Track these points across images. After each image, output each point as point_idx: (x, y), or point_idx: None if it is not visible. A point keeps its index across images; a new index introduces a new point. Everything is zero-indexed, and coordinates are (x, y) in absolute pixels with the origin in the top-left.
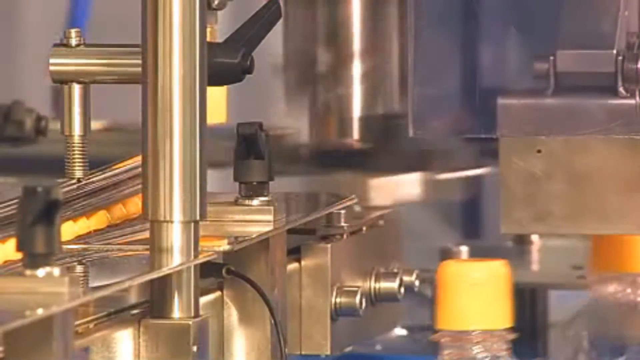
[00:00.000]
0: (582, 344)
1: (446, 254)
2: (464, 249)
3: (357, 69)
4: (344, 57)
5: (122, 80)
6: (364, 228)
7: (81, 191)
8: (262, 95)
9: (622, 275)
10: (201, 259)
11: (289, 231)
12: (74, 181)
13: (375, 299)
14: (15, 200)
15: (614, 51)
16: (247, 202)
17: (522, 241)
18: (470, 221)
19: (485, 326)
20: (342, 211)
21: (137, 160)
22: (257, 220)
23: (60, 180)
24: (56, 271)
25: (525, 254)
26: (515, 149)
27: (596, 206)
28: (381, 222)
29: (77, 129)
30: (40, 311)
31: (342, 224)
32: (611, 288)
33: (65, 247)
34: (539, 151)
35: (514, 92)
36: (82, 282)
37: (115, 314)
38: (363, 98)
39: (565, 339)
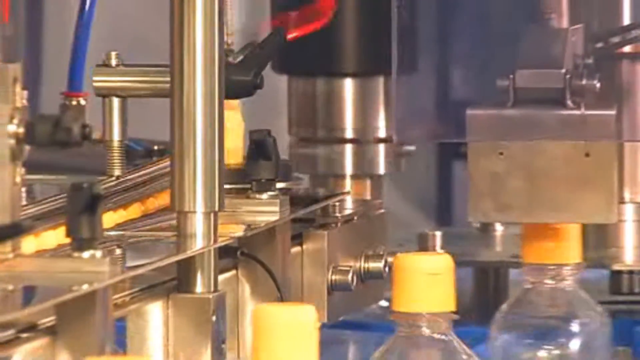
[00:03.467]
0: (516, 328)
1: (423, 239)
2: (438, 234)
3: None
4: None
5: (154, 95)
6: (355, 217)
7: (119, 187)
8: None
9: (549, 266)
10: (219, 243)
11: (293, 220)
12: (113, 178)
13: (364, 276)
14: (65, 195)
15: (563, 70)
16: (257, 196)
17: (487, 228)
18: (444, 211)
19: (432, 309)
20: (337, 203)
21: (166, 161)
22: (266, 211)
23: (101, 178)
24: (98, 253)
25: (490, 238)
26: (481, 152)
27: (548, 199)
28: (369, 213)
29: (116, 135)
30: (85, 287)
31: (337, 214)
32: (539, 277)
33: (106, 233)
34: (501, 154)
35: (481, 104)
36: (120, 262)
37: (148, 289)
38: None
39: (505, 322)
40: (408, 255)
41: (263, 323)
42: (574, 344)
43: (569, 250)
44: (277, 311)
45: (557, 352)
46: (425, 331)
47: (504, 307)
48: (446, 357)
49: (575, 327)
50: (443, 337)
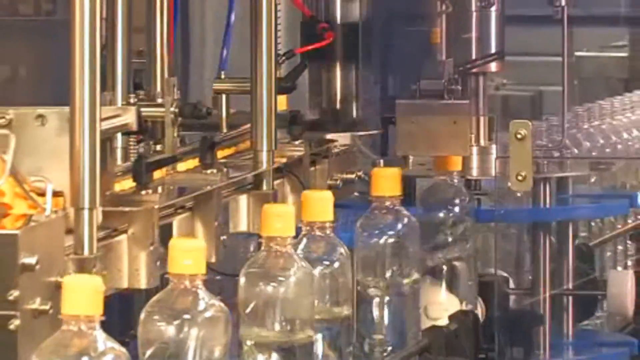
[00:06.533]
0: (430, 204)
1: (374, 163)
2: (381, 161)
3: None
4: None
5: (242, 92)
6: (341, 152)
7: (225, 137)
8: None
9: (447, 172)
10: (275, 165)
11: (311, 154)
12: (222, 133)
13: (346, 182)
14: (199, 141)
15: (443, 80)
16: (293, 142)
17: (406, 157)
18: (384, 149)
19: (390, 194)
20: (332, 145)
21: (248, 125)
22: (297, 150)
23: (217, 133)
24: (215, 171)
25: (407, 162)
26: (403, 121)
27: (437, 143)
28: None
29: (224, 112)
30: (207, 187)
31: (332, 151)
32: (441, 177)
33: (218, 161)
34: (412, 122)
35: (404, 97)
36: (225, 175)
37: (239, 188)
38: None
39: (423, 200)
40: (381, 169)
41: (312, 199)
42: (458, 209)
43: (456, 164)
44: (322, 193)
45: (451, 214)
46: (388, 204)
47: (420, 195)
48: (397, 217)
49: (458, 201)
50: (396, 207)
